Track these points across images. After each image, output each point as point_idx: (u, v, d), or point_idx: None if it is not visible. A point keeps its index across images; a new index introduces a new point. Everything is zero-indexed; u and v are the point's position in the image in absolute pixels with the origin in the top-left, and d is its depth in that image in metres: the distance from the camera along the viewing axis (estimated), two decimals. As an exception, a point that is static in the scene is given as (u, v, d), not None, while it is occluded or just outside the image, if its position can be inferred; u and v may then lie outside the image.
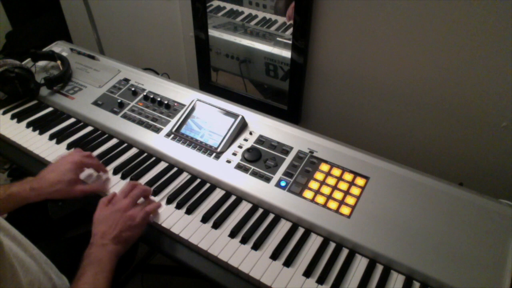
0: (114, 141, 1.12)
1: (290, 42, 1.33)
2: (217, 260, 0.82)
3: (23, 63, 1.28)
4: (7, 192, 0.88)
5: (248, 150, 1.03)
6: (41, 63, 1.37)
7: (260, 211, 0.93)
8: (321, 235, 0.87)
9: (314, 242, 0.86)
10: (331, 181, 0.95)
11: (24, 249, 0.67)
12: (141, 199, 0.90)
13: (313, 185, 0.94)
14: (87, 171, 1.00)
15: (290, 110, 1.49)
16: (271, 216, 0.91)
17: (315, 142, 1.03)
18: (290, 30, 1.33)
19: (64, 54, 1.38)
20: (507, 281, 0.75)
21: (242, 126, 1.08)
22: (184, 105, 1.16)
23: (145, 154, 1.07)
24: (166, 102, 1.17)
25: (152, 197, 0.94)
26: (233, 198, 0.96)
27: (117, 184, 0.98)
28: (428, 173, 0.93)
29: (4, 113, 1.20)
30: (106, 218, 0.83)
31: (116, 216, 0.83)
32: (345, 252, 0.84)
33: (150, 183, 0.98)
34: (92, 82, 1.28)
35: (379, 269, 0.81)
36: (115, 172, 1.01)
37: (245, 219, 0.90)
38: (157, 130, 1.11)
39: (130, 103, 1.20)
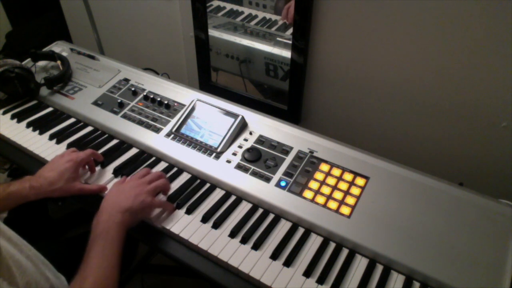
0: (114, 141, 1.12)
1: (290, 42, 1.33)
2: (217, 260, 0.82)
3: (23, 63, 1.28)
4: (6, 191, 0.88)
5: (248, 150, 1.03)
6: (41, 63, 1.37)
7: (260, 211, 0.93)
8: (321, 235, 0.87)
9: (314, 242, 0.86)
10: (331, 181, 0.95)
11: (20, 250, 0.67)
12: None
13: (313, 185, 0.94)
14: (85, 171, 1.01)
15: (290, 110, 1.49)
16: (271, 216, 0.91)
17: (315, 142, 1.03)
18: (290, 30, 1.33)
19: (64, 54, 1.38)
20: (507, 281, 0.75)
21: (242, 126, 1.08)
22: (184, 105, 1.16)
23: (145, 154, 1.07)
24: (166, 102, 1.17)
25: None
26: (233, 198, 0.96)
27: (117, 184, 0.98)
28: (428, 173, 0.93)
29: (4, 113, 1.20)
30: (119, 189, 0.86)
31: (130, 187, 0.85)
32: (345, 252, 0.84)
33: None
34: (92, 82, 1.28)
35: (379, 269, 0.81)
36: (116, 172, 1.01)
37: (245, 219, 0.90)
38: (157, 130, 1.11)
39: (130, 103, 1.20)
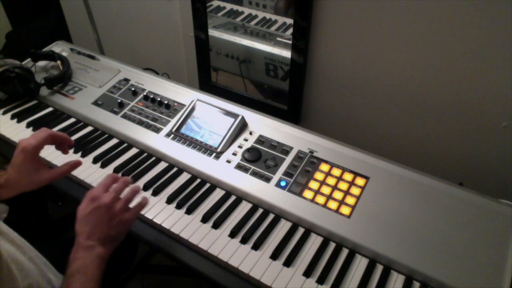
0: (114, 141, 1.12)
1: (290, 42, 1.33)
2: (217, 260, 0.82)
3: (23, 63, 1.28)
4: None
5: (248, 150, 1.03)
6: (41, 63, 1.37)
7: (260, 211, 0.93)
8: (321, 235, 0.87)
9: (314, 242, 0.86)
10: (331, 181, 0.95)
11: (22, 252, 0.67)
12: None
13: (313, 185, 0.94)
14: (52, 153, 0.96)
15: (290, 110, 1.49)
16: (271, 216, 0.91)
17: (315, 142, 1.03)
18: (290, 30, 1.33)
19: (64, 54, 1.38)
20: (507, 281, 0.75)
21: (242, 126, 1.08)
22: (184, 105, 1.16)
23: (145, 154, 1.07)
24: (166, 102, 1.17)
25: (144, 194, 0.92)
26: (233, 198, 0.96)
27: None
28: (428, 173, 0.93)
29: (4, 113, 1.20)
30: (90, 216, 0.75)
31: (100, 213, 0.75)
32: (345, 252, 0.84)
33: (150, 183, 0.98)
34: (92, 82, 1.28)
35: (379, 269, 0.81)
36: (115, 172, 1.01)
37: (245, 219, 0.90)
38: (157, 130, 1.11)
39: (130, 103, 1.20)
